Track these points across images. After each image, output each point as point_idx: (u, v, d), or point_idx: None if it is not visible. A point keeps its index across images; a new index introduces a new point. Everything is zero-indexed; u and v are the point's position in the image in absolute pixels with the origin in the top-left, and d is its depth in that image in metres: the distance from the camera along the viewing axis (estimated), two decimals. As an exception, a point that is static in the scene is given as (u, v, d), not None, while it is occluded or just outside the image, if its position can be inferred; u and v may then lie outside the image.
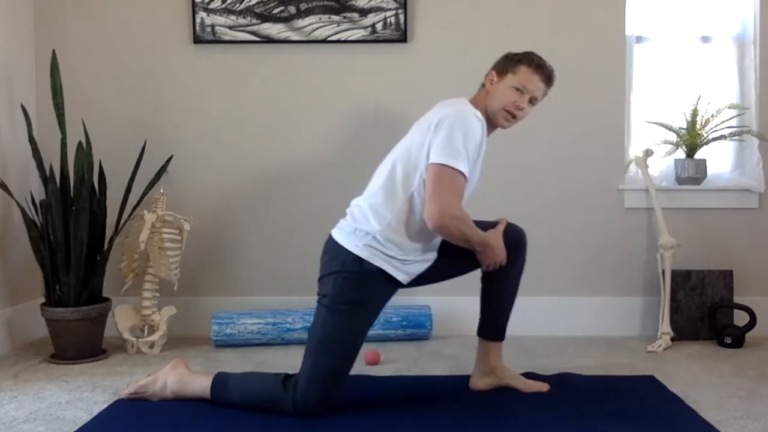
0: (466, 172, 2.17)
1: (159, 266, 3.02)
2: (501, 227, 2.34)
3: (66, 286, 2.87)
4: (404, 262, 2.23)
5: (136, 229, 3.01)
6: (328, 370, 2.16)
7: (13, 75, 3.16)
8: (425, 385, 2.53)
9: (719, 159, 3.38)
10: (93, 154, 2.99)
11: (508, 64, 2.36)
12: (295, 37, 3.27)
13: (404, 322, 3.14)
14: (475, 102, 2.35)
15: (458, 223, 2.18)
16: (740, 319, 3.13)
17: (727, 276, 3.20)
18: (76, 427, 2.12)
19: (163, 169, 3.18)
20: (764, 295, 3.28)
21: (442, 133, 2.17)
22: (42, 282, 2.92)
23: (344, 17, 3.26)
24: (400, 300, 3.15)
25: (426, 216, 2.16)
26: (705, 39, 3.36)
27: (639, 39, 3.34)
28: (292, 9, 3.26)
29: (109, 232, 3.03)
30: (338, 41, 3.26)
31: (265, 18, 3.27)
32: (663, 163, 3.39)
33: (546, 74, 2.36)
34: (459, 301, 3.14)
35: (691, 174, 3.27)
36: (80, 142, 2.98)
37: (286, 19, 3.27)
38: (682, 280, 3.18)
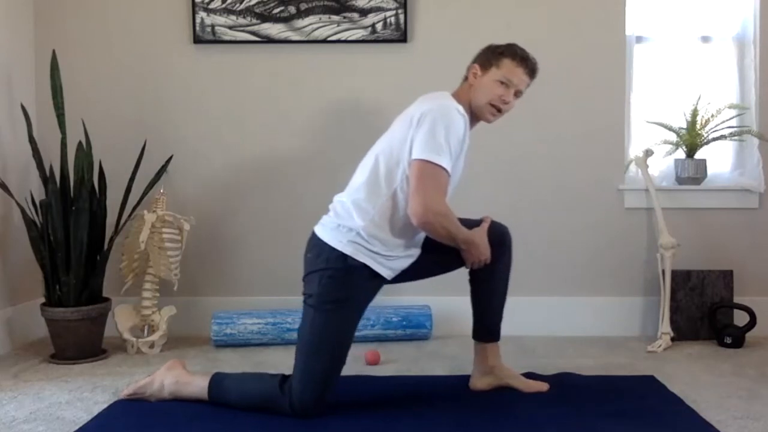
0: (448, 168, 2.16)
1: (159, 266, 3.02)
2: (485, 225, 2.34)
3: (66, 286, 2.87)
4: (388, 257, 2.22)
5: (136, 229, 3.01)
6: (321, 371, 2.15)
7: (13, 75, 3.16)
8: (425, 385, 2.53)
9: (719, 159, 3.38)
10: (93, 154, 2.99)
11: (491, 57, 2.34)
12: (295, 37, 3.27)
13: (404, 322, 3.14)
14: (458, 96, 2.33)
15: (442, 219, 2.18)
16: (740, 319, 3.13)
17: (727, 276, 3.20)
18: (76, 427, 2.12)
19: (163, 169, 3.18)
20: (764, 295, 3.28)
21: (424, 128, 2.15)
22: (42, 282, 2.92)
23: (344, 17, 3.26)
24: (400, 300, 3.18)
25: (410, 212, 2.15)
26: (705, 39, 3.36)
27: (639, 39, 3.34)
28: (292, 9, 3.27)
29: (109, 232, 3.03)
30: (338, 41, 3.26)
31: (265, 18, 3.27)
32: (663, 163, 3.39)
33: (530, 66, 2.35)
34: (459, 301, 3.12)
35: (691, 174, 3.27)
36: (80, 142, 2.98)
37: (286, 19, 3.27)
38: (682, 280, 3.18)
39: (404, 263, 2.29)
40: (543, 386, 2.43)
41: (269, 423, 2.11)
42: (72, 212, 2.86)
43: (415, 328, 3.16)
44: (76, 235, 2.85)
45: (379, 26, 3.25)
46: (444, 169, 2.15)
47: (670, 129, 3.31)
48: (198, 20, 3.26)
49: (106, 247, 2.99)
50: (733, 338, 3.05)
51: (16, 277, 3.13)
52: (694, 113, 3.27)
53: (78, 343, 2.86)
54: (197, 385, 2.27)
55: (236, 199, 3.33)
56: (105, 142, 3.17)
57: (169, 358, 2.45)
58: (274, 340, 3.09)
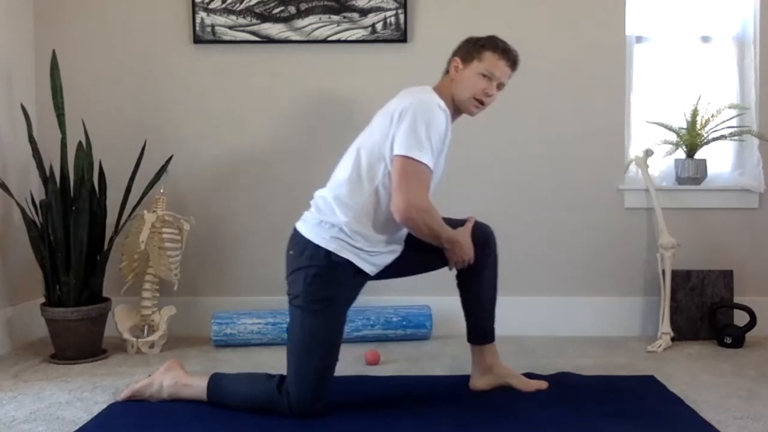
0: (430, 164, 2.16)
1: (159, 266, 3.02)
2: (469, 225, 2.33)
3: (66, 286, 2.87)
4: (371, 253, 2.21)
5: (136, 229, 3.01)
6: (314, 371, 2.14)
7: (13, 75, 3.16)
8: (425, 385, 2.53)
9: (719, 159, 3.37)
10: (93, 154, 2.99)
11: (472, 50, 2.32)
12: (295, 37, 3.27)
13: (404, 322, 3.14)
14: (440, 90, 2.32)
15: (425, 215, 2.17)
16: (740, 319, 3.13)
17: (727, 276, 3.20)
18: (76, 427, 2.12)
19: (163, 169, 3.18)
20: (764, 295, 3.28)
21: (406, 124, 2.14)
22: (42, 282, 2.92)
23: (344, 17, 3.26)
24: (400, 300, 3.18)
25: (393, 208, 2.15)
26: (705, 39, 3.36)
27: (639, 39, 3.34)
28: (292, 9, 3.27)
29: (109, 232, 3.03)
30: (338, 41, 3.26)
31: (265, 18, 3.27)
32: (663, 163, 3.39)
33: (511, 58, 2.34)
34: (459, 302, 3.13)
35: (691, 174, 3.27)
36: (80, 142, 2.98)
37: (286, 19, 3.27)
38: (682, 280, 3.18)
39: (387, 259, 2.28)
40: (542, 384, 2.43)
41: (269, 423, 2.11)
42: (72, 212, 2.86)
43: (415, 328, 3.16)
44: (76, 235, 2.85)
45: (379, 26, 3.25)
46: (426, 165, 2.14)
47: (670, 129, 3.31)
48: (198, 20, 3.26)
49: (106, 247, 2.99)
50: (733, 338, 3.05)
51: (16, 277, 3.13)
52: (694, 113, 3.27)
53: (78, 343, 2.86)
54: (196, 387, 2.26)
55: (236, 199, 3.33)
56: (105, 142, 3.17)
57: (169, 358, 2.45)
58: (274, 340, 3.09)
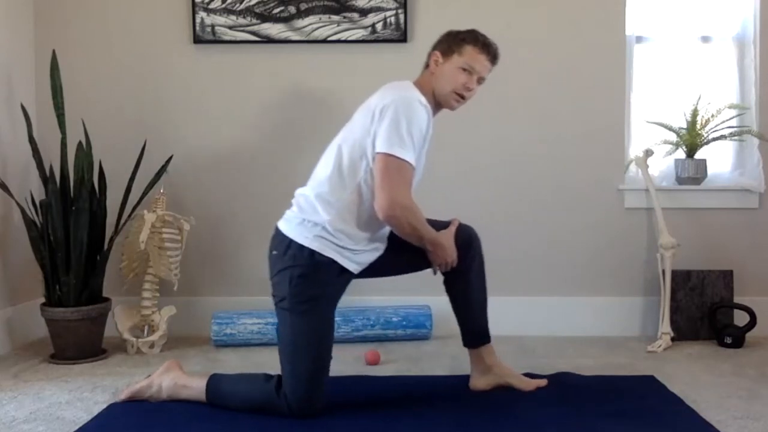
0: (412, 162, 2.15)
1: (159, 266, 3.02)
2: (453, 228, 2.32)
3: (66, 286, 2.87)
4: (354, 252, 2.21)
5: (136, 229, 3.01)
6: (308, 371, 2.14)
7: (13, 75, 3.16)
8: (425, 385, 2.53)
9: (719, 159, 3.37)
10: (93, 154, 2.99)
11: (452, 43, 2.31)
12: (295, 37, 3.27)
13: (404, 322, 3.14)
14: (420, 85, 2.31)
15: (409, 213, 2.16)
16: (740, 319, 3.13)
17: (727, 276, 3.20)
18: (76, 427, 2.12)
19: (163, 169, 3.18)
20: (764, 295, 3.28)
21: (387, 122, 2.13)
22: (42, 282, 2.92)
23: (344, 17, 3.26)
24: (400, 300, 3.18)
25: (377, 206, 2.14)
26: (705, 39, 3.36)
27: (639, 39, 3.34)
28: (292, 9, 3.27)
29: (109, 232, 3.03)
30: (338, 41, 3.26)
31: (265, 18, 3.27)
32: (663, 163, 3.39)
33: (492, 52, 2.32)
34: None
35: (691, 174, 3.27)
36: (80, 142, 2.98)
37: (286, 19, 3.27)
38: (682, 280, 3.18)
39: (370, 257, 2.27)
40: (542, 382, 2.43)
41: (268, 423, 2.11)
42: (72, 212, 2.86)
43: (415, 328, 3.15)
44: (76, 235, 2.85)
45: (379, 26, 3.25)
46: (408, 162, 2.14)
47: (670, 129, 3.31)
48: (198, 20, 3.26)
49: (106, 247, 2.99)
50: (733, 338, 3.05)
51: (16, 277, 3.13)
52: (694, 113, 3.27)
53: (78, 343, 2.86)
54: (195, 388, 2.26)
55: (236, 199, 3.33)
56: (105, 142, 3.17)
57: (170, 358, 2.45)
58: (274, 340, 3.08)
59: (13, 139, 3.11)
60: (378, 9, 3.25)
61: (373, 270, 2.31)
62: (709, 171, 3.31)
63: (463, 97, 2.32)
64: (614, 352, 3.00)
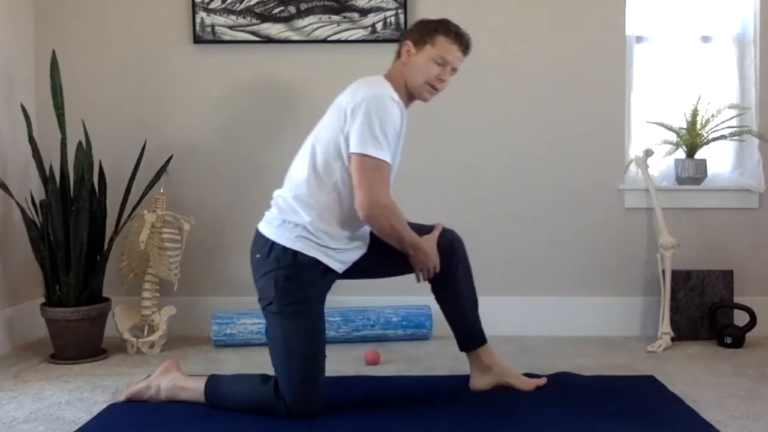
0: (389, 160, 2.14)
1: (159, 266, 3.02)
2: (436, 233, 2.31)
3: (66, 286, 2.87)
4: (337, 250, 2.20)
5: (136, 229, 3.01)
6: (303, 371, 2.13)
7: (13, 75, 3.16)
8: (425, 385, 2.53)
9: (719, 159, 3.37)
10: (93, 154, 2.99)
11: (424, 34, 2.28)
12: (295, 37, 3.27)
13: (404, 322, 3.14)
14: (392, 77, 2.29)
15: (388, 213, 2.15)
16: (740, 319, 3.13)
17: (727, 276, 3.20)
18: (76, 427, 2.12)
19: (163, 169, 3.18)
20: (764, 295, 3.28)
21: (360, 121, 2.11)
22: (42, 282, 2.92)
23: (344, 17, 3.26)
24: (400, 300, 3.17)
25: (356, 206, 2.14)
26: (705, 39, 3.36)
27: (639, 39, 3.34)
28: (292, 9, 3.27)
29: (109, 232, 3.03)
30: (338, 41, 3.26)
31: (265, 18, 3.27)
32: (663, 163, 3.39)
33: (464, 43, 2.31)
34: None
35: (691, 174, 3.27)
36: (80, 142, 2.98)
37: (286, 19, 3.27)
38: (682, 280, 3.18)
39: (353, 255, 2.26)
40: (541, 381, 2.43)
41: (268, 423, 2.11)
42: (72, 212, 2.86)
43: (415, 328, 3.15)
44: (76, 235, 2.85)
45: (379, 26, 3.25)
46: (384, 161, 2.13)
47: (670, 129, 3.31)
48: (198, 20, 3.26)
49: (106, 247, 2.99)
50: (733, 338, 3.05)
51: (16, 277, 3.13)
52: (694, 113, 3.27)
53: (78, 343, 2.86)
54: (193, 389, 2.26)
55: (236, 199, 3.33)
56: (105, 142, 3.17)
57: (169, 358, 2.45)
58: (274, 340, 3.09)
59: (13, 139, 3.11)
60: (378, 9, 3.25)
61: (357, 271, 2.29)
62: (709, 171, 3.31)
63: (435, 89, 2.31)
64: (614, 352, 3.00)
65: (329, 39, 3.27)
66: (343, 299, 3.13)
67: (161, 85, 3.32)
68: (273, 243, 2.18)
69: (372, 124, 2.11)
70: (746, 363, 2.81)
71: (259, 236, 2.24)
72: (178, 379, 2.29)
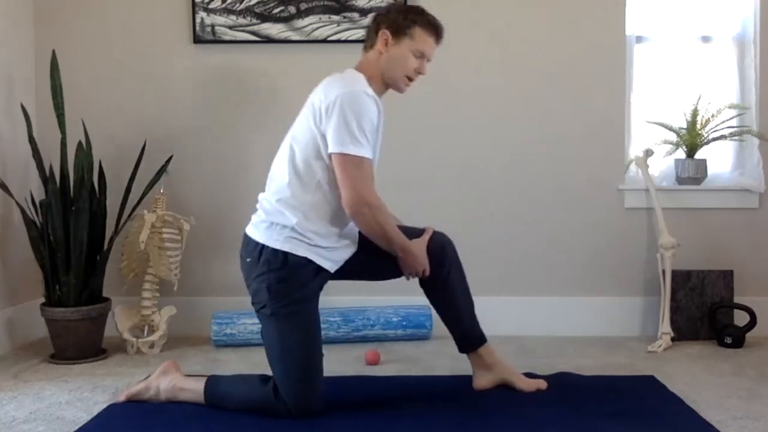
0: (369, 156, 2.14)
1: (159, 266, 3.02)
2: (426, 237, 2.30)
3: (66, 286, 2.87)
4: (327, 249, 2.19)
5: (136, 229, 3.01)
6: (300, 372, 2.13)
7: (13, 75, 3.16)
8: (425, 385, 2.53)
9: (719, 159, 3.37)
10: (93, 154, 2.99)
11: (403, 25, 2.24)
12: (295, 37, 3.27)
13: (404, 322, 3.14)
14: (365, 68, 2.26)
15: (375, 210, 2.14)
16: (740, 319, 3.13)
17: (727, 276, 3.20)
18: (76, 427, 2.12)
19: (163, 169, 3.18)
20: (764, 295, 3.28)
21: (336, 120, 2.10)
22: (42, 282, 2.92)
23: (344, 17, 3.26)
24: (400, 300, 3.17)
25: (343, 204, 2.14)
26: (705, 39, 3.36)
27: (639, 39, 3.34)
28: (292, 9, 3.27)
29: (109, 232, 3.03)
30: (338, 41, 3.26)
31: (265, 18, 3.27)
32: (663, 163, 3.39)
33: (440, 34, 2.31)
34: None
35: (691, 174, 3.27)
36: (80, 142, 2.98)
37: (286, 19, 3.27)
38: (682, 280, 3.18)
39: (344, 254, 2.26)
40: (542, 384, 2.42)
41: (268, 423, 2.11)
42: (72, 212, 2.86)
43: (415, 328, 3.15)
44: (76, 235, 2.85)
45: (379, 26, 3.25)
46: (365, 158, 2.12)
47: (670, 129, 3.31)
48: (198, 20, 3.26)
49: (106, 247, 2.99)
50: (733, 338, 3.05)
51: (16, 277, 3.13)
52: (694, 113, 3.27)
53: (78, 343, 2.86)
54: (193, 390, 2.25)
55: (236, 199, 3.33)
56: (105, 142, 3.18)
57: (169, 358, 2.45)
58: (274, 340, 3.09)
59: (13, 139, 3.11)
60: (378, 9, 3.24)
61: (348, 271, 2.29)
62: (709, 171, 3.31)
63: (412, 80, 2.31)
64: (614, 352, 3.00)
65: (329, 39, 3.27)
66: (343, 299, 3.14)
67: (161, 85, 3.32)
68: (263, 246, 2.17)
69: (348, 122, 2.10)
70: (746, 363, 2.81)
71: (248, 240, 2.24)
72: (177, 380, 2.29)
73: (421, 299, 3.17)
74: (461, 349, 2.43)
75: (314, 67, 3.29)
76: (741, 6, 3.32)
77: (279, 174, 2.23)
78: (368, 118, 2.13)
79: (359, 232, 2.28)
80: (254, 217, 2.27)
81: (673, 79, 3.37)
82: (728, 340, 3.05)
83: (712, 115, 3.27)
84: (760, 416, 2.20)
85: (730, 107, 3.30)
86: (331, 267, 2.23)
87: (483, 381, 2.42)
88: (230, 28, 3.27)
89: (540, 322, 3.28)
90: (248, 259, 2.22)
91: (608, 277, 3.31)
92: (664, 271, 3.13)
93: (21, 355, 2.98)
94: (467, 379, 2.46)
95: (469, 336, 2.41)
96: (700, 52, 3.36)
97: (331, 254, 2.22)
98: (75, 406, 2.33)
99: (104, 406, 2.31)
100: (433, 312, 3.16)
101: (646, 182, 3.24)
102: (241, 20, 3.26)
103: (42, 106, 3.23)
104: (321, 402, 2.17)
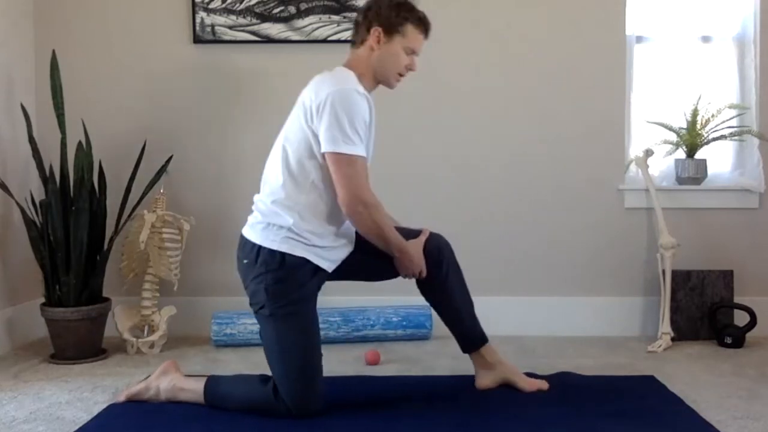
0: (363, 154, 2.14)
1: (159, 266, 3.02)
2: (423, 238, 2.30)
3: (66, 286, 2.87)
4: (325, 248, 2.19)
5: (136, 229, 3.01)
6: (299, 372, 2.13)
7: (13, 75, 3.16)
8: (425, 385, 2.53)
9: (719, 159, 3.37)
10: (93, 154, 2.99)
11: (394, 22, 2.24)
12: (295, 37, 3.27)
13: (404, 322, 3.14)
14: (355, 65, 2.26)
15: (371, 209, 2.14)
16: (740, 319, 3.13)
17: (727, 276, 3.20)
18: (76, 427, 2.12)
19: (163, 169, 3.18)
20: (764, 295, 3.28)
21: (328, 119, 2.09)
22: (42, 282, 2.92)
23: (344, 17, 3.26)
24: (400, 300, 3.17)
25: (340, 203, 2.14)
26: (705, 39, 3.36)
27: (639, 39, 3.34)
28: (292, 9, 3.27)
29: (109, 232, 3.03)
30: (338, 41, 3.26)
31: (265, 18, 3.27)
32: (663, 163, 3.39)
33: (429, 30, 2.31)
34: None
35: (692, 174, 3.27)
36: (80, 142, 2.98)
37: (286, 19, 3.27)
38: (682, 280, 3.18)
39: (341, 254, 2.26)
40: (543, 384, 2.42)
41: (268, 423, 2.11)
42: (72, 212, 2.86)
43: (415, 328, 3.16)
44: (76, 235, 2.85)
45: (379, 26, 3.25)
46: (359, 156, 2.12)
47: (671, 129, 3.31)
48: (198, 20, 3.26)
49: (106, 247, 2.99)
50: (733, 338, 3.05)
51: (16, 277, 3.13)
52: (695, 113, 3.27)
53: (78, 343, 2.86)
54: (193, 391, 2.25)
55: (236, 199, 3.33)
56: (105, 142, 3.18)
57: (169, 358, 2.45)
58: (274, 340, 3.09)
59: (13, 139, 3.11)
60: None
61: (345, 272, 2.29)
62: (709, 171, 3.31)
63: (402, 76, 2.32)
64: (614, 352, 3.00)
65: (329, 39, 3.27)
66: (343, 299, 3.14)
67: (161, 86, 3.32)
68: (260, 247, 2.17)
69: (341, 121, 2.09)
70: (746, 363, 2.81)
71: (244, 241, 2.24)
72: (177, 380, 2.29)
73: (421, 299, 3.18)
74: (463, 349, 2.44)
75: (314, 67, 3.27)
76: (741, 6, 3.32)
77: (272, 176, 2.23)
78: (360, 116, 2.13)
79: (356, 232, 2.28)
80: (250, 218, 2.27)
81: (673, 79, 3.37)
82: (728, 340, 3.05)
83: (712, 115, 3.27)
84: (760, 416, 2.20)
85: (730, 107, 3.30)
86: (329, 267, 2.22)
87: (485, 381, 2.42)
88: (230, 28, 3.27)
89: (540, 322, 3.28)
90: (245, 261, 2.22)
91: (608, 277, 3.32)
92: (664, 271, 3.13)
93: (21, 355, 2.98)
94: (467, 379, 2.46)
95: (470, 336, 2.41)
96: (700, 52, 3.36)
97: (329, 254, 2.22)
98: (75, 406, 2.33)
99: (104, 406, 2.31)
100: (433, 312, 3.18)
101: (646, 182, 3.24)
102: (241, 20, 3.26)
103: (42, 106, 3.24)
104: (320, 402, 2.17)
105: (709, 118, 3.27)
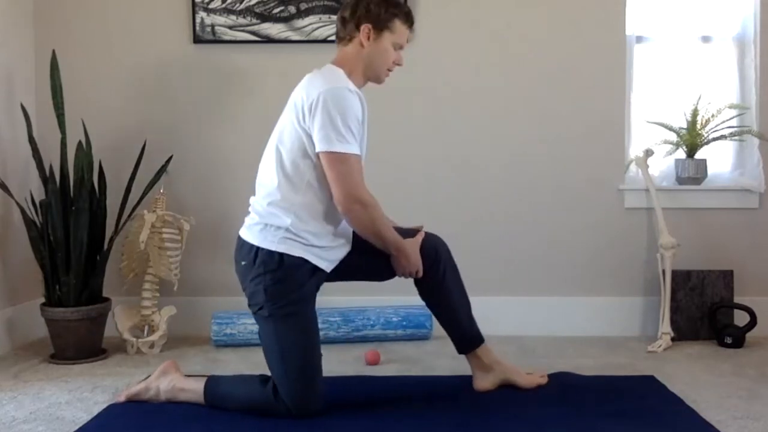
0: (357, 152, 2.14)
1: (159, 266, 3.02)
2: (419, 237, 2.30)
3: (66, 286, 2.87)
4: (323, 248, 2.19)
5: (136, 229, 3.01)
6: (299, 372, 2.12)
7: (13, 75, 3.16)
8: (425, 385, 2.53)
9: (719, 159, 3.37)
10: (93, 154, 2.99)
11: (383, 17, 2.24)
12: (295, 37, 3.27)
13: (404, 322, 3.14)
14: (345, 62, 2.26)
15: (368, 207, 2.14)
16: (740, 319, 3.13)
17: (727, 276, 3.20)
18: (76, 427, 2.12)
19: (163, 169, 3.18)
20: (764, 295, 3.28)
21: (320, 119, 2.09)
22: (42, 282, 2.92)
23: (344, 17, 3.25)
24: (400, 300, 3.17)
25: (335, 202, 2.14)
26: (705, 39, 3.36)
27: (639, 39, 3.34)
28: (292, 9, 3.27)
29: (109, 232, 3.03)
30: (338, 41, 3.26)
31: (265, 18, 3.27)
32: (663, 163, 3.39)
33: (413, 23, 2.33)
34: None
35: (692, 174, 3.27)
36: (80, 142, 2.98)
37: (286, 19, 3.27)
38: (682, 280, 3.18)
39: (339, 254, 2.25)
40: (543, 379, 2.43)
41: (268, 423, 2.11)
42: (72, 212, 2.86)
43: (415, 328, 3.15)
44: (76, 235, 2.85)
45: (379, 26, 3.24)
46: (353, 154, 2.12)
47: (671, 129, 3.31)
48: (198, 20, 3.26)
49: (106, 247, 3.00)
50: (733, 338, 3.05)
51: (16, 277, 3.13)
52: (695, 113, 3.27)
53: (78, 343, 2.86)
54: (193, 391, 2.25)
55: (236, 199, 3.32)
56: (105, 142, 3.18)
57: (169, 359, 2.45)
58: (274, 340, 3.08)
59: (13, 139, 3.11)
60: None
61: (342, 272, 2.28)
62: (709, 171, 3.31)
63: (391, 71, 2.33)
64: (614, 352, 3.00)
65: (329, 39, 3.26)
66: (343, 299, 3.14)
67: (161, 86, 3.32)
68: (258, 248, 2.17)
69: (333, 120, 2.09)
70: (746, 363, 2.81)
71: (242, 243, 2.23)
72: (177, 380, 2.29)
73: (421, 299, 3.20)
74: (459, 350, 2.43)
75: (314, 67, 3.29)
76: (741, 6, 3.32)
77: (267, 178, 2.23)
78: (353, 114, 2.13)
79: (353, 232, 2.28)
80: (247, 220, 2.27)
81: (673, 79, 3.37)
82: (728, 340, 3.05)
83: (712, 115, 3.27)
84: (760, 416, 2.20)
85: (730, 107, 3.30)
86: (328, 267, 2.22)
87: (484, 383, 2.42)
88: (230, 28, 3.27)
89: (540, 322, 3.28)
90: (243, 262, 2.21)
91: (608, 277, 3.32)
92: (664, 271, 3.13)
93: (21, 355, 2.98)
94: (467, 379, 2.46)
95: (467, 337, 2.40)
96: (700, 52, 3.36)
97: (327, 254, 2.22)
98: (75, 406, 2.33)
99: (104, 406, 2.31)
100: (433, 312, 3.19)
101: (646, 182, 3.24)
102: (241, 20, 3.27)
103: (42, 106, 3.24)
104: (320, 402, 2.17)
105: (709, 118, 3.27)
